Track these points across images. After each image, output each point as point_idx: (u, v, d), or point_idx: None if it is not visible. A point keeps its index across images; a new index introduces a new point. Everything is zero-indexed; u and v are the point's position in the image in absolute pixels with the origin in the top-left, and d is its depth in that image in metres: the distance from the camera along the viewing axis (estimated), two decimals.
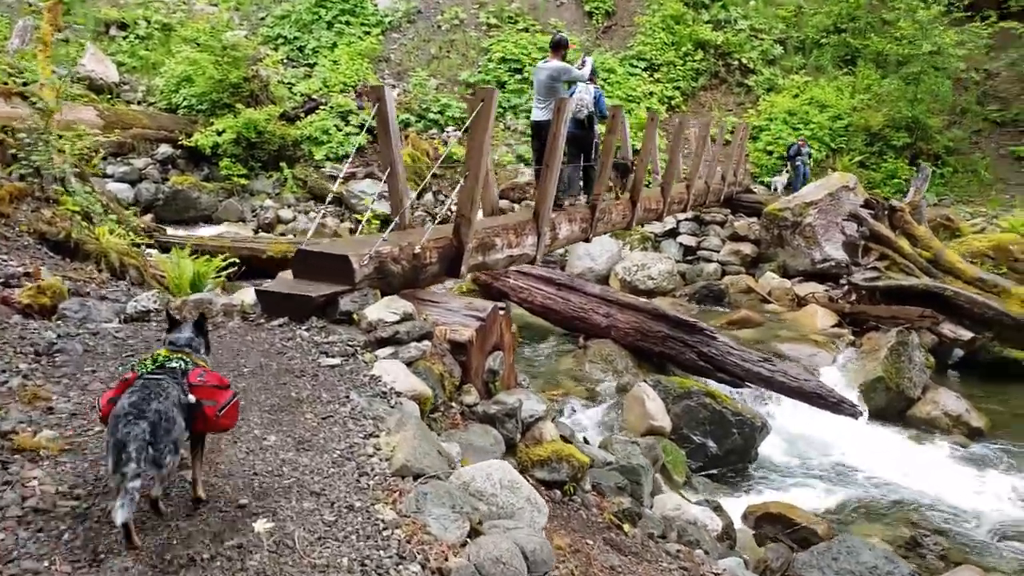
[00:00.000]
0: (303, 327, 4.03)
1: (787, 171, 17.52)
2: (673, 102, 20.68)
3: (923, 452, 7.74)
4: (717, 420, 7.03)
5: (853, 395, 8.46)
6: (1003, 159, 19.96)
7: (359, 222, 15.89)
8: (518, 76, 20.84)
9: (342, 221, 16.88)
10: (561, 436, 4.32)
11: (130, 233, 7.56)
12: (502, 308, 4.73)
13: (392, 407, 3.15)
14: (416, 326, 4.03)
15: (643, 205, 10.09)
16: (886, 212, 10.79)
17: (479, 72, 21.05)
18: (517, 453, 3.90)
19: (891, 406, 8.67)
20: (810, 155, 17.50)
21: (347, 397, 3.16)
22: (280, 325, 4.08)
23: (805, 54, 22.04)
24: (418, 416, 3.22)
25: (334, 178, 17.77)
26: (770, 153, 19.36)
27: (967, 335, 9.68)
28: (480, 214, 6.77)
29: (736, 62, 21.55)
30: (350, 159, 17.02)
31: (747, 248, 14.19)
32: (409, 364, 3.74)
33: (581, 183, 9.01)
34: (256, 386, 3.25)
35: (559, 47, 8.00)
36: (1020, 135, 20.44)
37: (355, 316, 4.14)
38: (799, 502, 6.36)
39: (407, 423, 2.89)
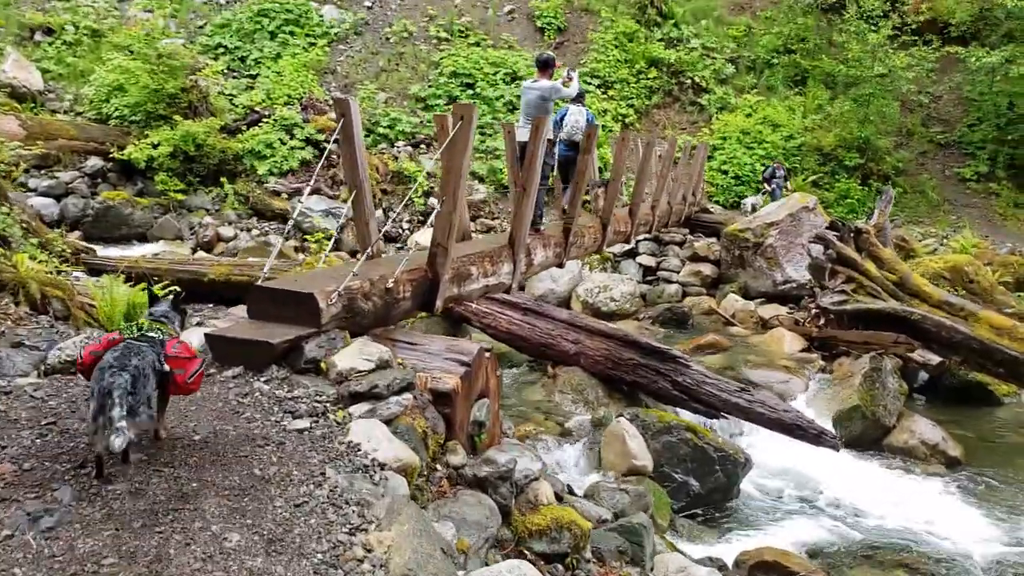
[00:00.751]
0: (262, 378, 3.49)
1: (763, 194, 17.44)
2: (627, 120, 20.61)
3: (904, 484, 7.54)
4: (699, 457, 6.69)
5: (828, 424, 8.25)
6: (948, 180, 20.49)
7: (306, 241, 15.21)
8: (469, 91, 20.46)
9: (286, 239, 16.14)
10: (555, 494, 3.86)
11: (54, 259, 6.82)
12: (487, 350, 4.26)
13: (376, 485, 2.65)
14: (395, 377, 3.53)
15: (613, 227, 9.77)
16: (852, 234, 10.73)
17: (429, 86, 20.60)
18: (512, 522, 3.44)
19: (866, 434, 8.49)
20: (785, 178, 17.50)
21: (322, 474, 2.65)
22: (235, 376, 3.53)
23: (756, 74, 22.30)
24: (408, 495, 2.73)
25: (278, 194, 17.07)
26: (724, 172, 19.42)
27: (935, 359, 9.61)
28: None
29: (689, 80, 21.63)
30: (313, 176, 16.35)
31: (707, 269, 14.04)
32: (389, 422, 3.24)
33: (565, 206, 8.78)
34: (211, 460, 2.72)
35: (547, 66, 7.70)
36: (963, 157, 21.04)
37: (323, 364, 3.62)
38: (790, 544, 6.06)
39: (400, 511, 2.40)
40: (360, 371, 3.52)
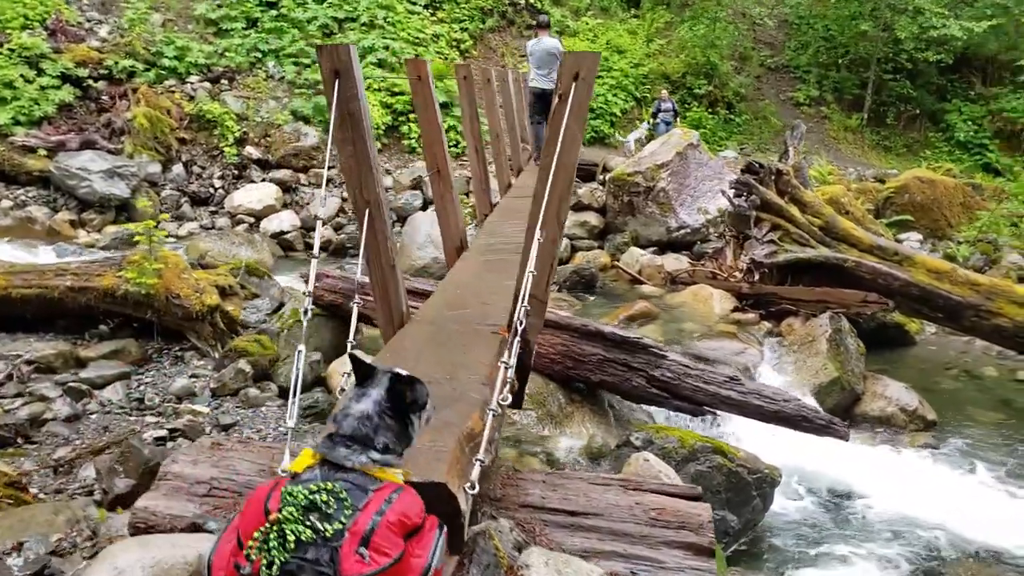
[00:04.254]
0: None
1: (648, 127, 16.42)
2: (463, 46, 18.76)
3: (909, 463, 6.98)
4: (734, 484, 5.55)
5: (810, 401, 7.51)
6: (784, 105, 21.05)
7: (86, 212, 12.00)
8: (272, 12, 17.45)
9: (55, 211, 12.75)
10: None
11: None
12: None
13: None
14: None
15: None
16: (772, 177, 10.05)
17: (220, 5, 17.26)
18: None
19: (839, 406, 7.88)
20: (675, 111, 16.55)
21: None
22: None
23: None
24: None
25: (32, 150, 13.37)
26: None
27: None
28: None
29: (522, 1, 20.12)
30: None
31: (593, 218, 12.97)
32: None
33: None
34: None
35: (548, 25, 11.18)
36: (794, 81, 21.71)
37: None
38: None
39: None
40: None
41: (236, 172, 14.26)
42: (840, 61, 21.64)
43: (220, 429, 6.07)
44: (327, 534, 1.55)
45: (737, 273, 10.40)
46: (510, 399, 2.46)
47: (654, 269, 11.30)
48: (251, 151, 14.39)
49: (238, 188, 14.01)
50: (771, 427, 6.59)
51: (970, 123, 20.56)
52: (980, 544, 5.74)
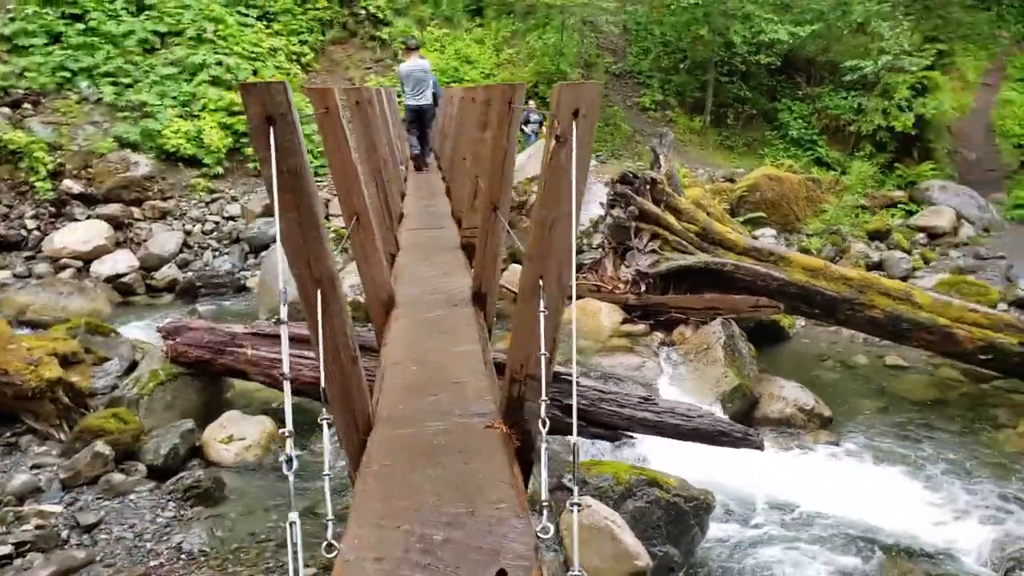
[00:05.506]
0: None
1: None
2: (304, 59, 17.87)
3: (818, 465, 7.13)
4: (673, 516, 5.37)
5: (719, 410, 7.56)
6: (631, 110, 21.67)
7: None
8: (79, 25, 15.77)
9: None
10: None
11: None
12: None
13: None
14: None
15: None
16: (647, 186, 10.13)
17: (12, 19, 15.36)
18: None
19: (739, 411, 7.98)
20: (540, 123, 16.37)
21: None
22: None
23: (434, 3, 20.96)
24: None
25: None
26: None
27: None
28: None
29: (363, 11, 19.48)
30: None
31: None
32: None
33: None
34: None
35: (417, 48, 12.29)
36: (638, 87, 22.42)
37: None
38: None
39: None
40: None
41: (54, 210, 12.71)
42: (680, 65, 22.61)
43: (81, 531, 5.18)
44: None
45: (621, 284, 10.39)
46: (552, 530, 2.03)
47: None
48: (70, 184, 12.88)
49: (58, 228, 12.49)
50: (679, 444, 6.53)
51: (800, 121, 22.11)
52: (900, 536, 5.91)
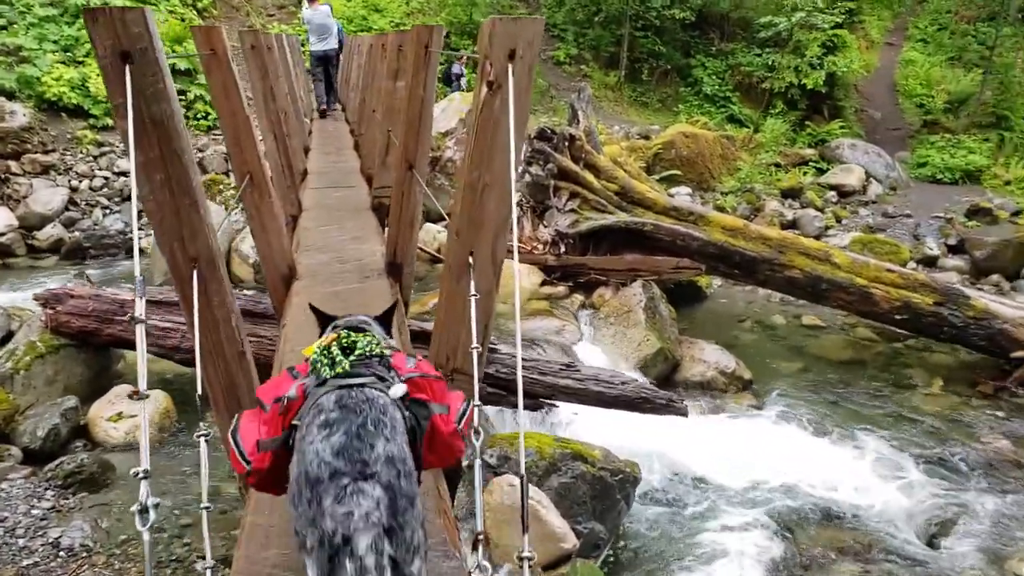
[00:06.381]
0: None
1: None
2: (200, 4, 16.63)
3: (740, 429, 7.11)
4: (599, 491, 5.20)
5: (641, 375, 7.44)
6: (545, 64, 21.21)
7: None
8: None
9: None
10: None
11: None
12: None
13: None
14: None
15: None
16: (566, 143, 9.82)
17: None
18: None
19: (660, 375, 7.92)
20: (462, 76, 15.65)
21: None
22: None
23: None
24: None
25: None
26: None
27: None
28: None
29: None
30: None
31: None
32: None
33: None
34: None
35: None
36: (553, 40, 21.96)
37: None
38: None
39: None
40: None
41: None
42: (595, 19, 22.25)
43: None
44: (376, 351, 1.68)
45: (539, 245, 10.13)
46: (489, 570, 1.67)
47: None
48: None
49: None
50: (599, 411, 6.38)
51: (714, 77, 22.18)
52: (822, 501, 5.94)
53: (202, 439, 1.69)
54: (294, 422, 1.52)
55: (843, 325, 9.48)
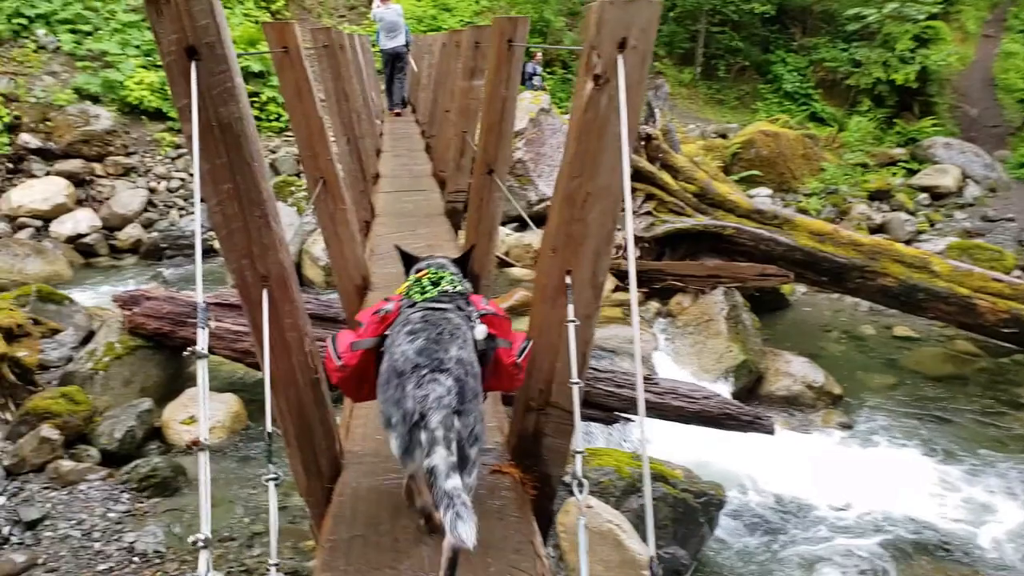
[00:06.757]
0: None
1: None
2: (273, 6, 16.89)
3: (831, 450, 6.68)
4: (682, 514, 4.90)
5: (725, 389, 7.10)
6: None
7: None
8: None
9: None
10: None
11: None
12: None
13: None
14: None
15: None
16: (642, 142, 9.52)
17: None
18: None
19: (743, 388, 7.54)
20: (539, 75, 15.55)
21: None
22: None
23: None
24: None
25: None
26: None
27: None
28: None
29: None
30: None
31: None
32: None
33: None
34: None
35: None
36: None
37: None
38: None
39: None
40: None
41: (11, 166, 11.90)
42: (670, 14, 21.76)
43: (24, 528, 4.66)
44: (458, 287, 2.08)
45: (612, 249, 9.84)
46: None
47: (522, 249, 10.54)
48: (28, 139, 12.04)
49: (15, 185, 11.71)
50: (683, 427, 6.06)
51: (795, 73, 21.41)
52: (918, 527, 5.53)
53: (271, 483, 1.53)
54: (385, 332, 1.87)
55: (939, 337, 8.88)
